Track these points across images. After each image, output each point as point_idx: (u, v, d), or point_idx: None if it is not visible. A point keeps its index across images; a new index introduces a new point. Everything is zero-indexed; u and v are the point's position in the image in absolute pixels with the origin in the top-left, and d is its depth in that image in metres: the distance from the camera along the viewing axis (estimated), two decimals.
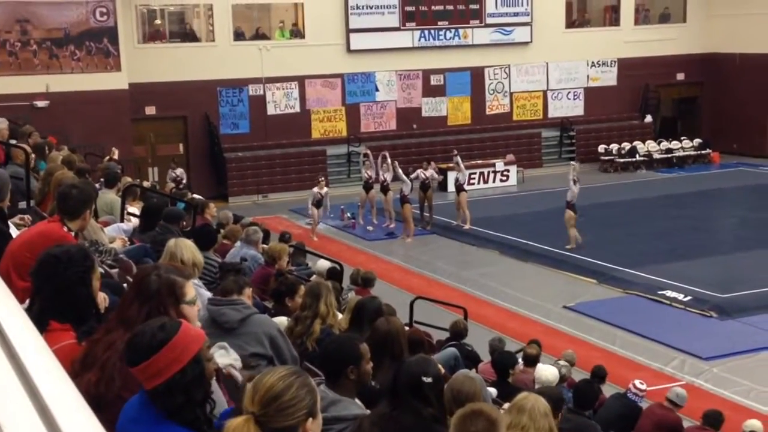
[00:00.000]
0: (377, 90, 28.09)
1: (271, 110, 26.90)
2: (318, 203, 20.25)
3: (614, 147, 29.49)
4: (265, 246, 9.64)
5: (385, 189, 21.53)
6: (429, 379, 3.60)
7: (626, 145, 29.54)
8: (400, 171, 21.17)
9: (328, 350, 4.00)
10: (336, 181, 26.84)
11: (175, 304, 3.09)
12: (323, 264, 11.53)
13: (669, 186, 26.56)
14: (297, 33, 27.46)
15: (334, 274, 10.44)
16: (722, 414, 8.96)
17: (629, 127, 30.51)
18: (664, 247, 19.10)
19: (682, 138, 30.58)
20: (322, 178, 21.31)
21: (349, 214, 22.46)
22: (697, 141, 30.49)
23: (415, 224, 21.16)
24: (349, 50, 27.41)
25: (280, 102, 27.01)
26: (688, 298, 15.51)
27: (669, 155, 29.91)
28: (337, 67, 27.38)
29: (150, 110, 25.27)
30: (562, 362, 9.04)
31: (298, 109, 27.18)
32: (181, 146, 26.18)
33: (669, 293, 15.80)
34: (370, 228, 21.80)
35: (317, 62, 26.85)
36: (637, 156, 29.43)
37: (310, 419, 2.52)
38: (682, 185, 26.46)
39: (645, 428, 8.43)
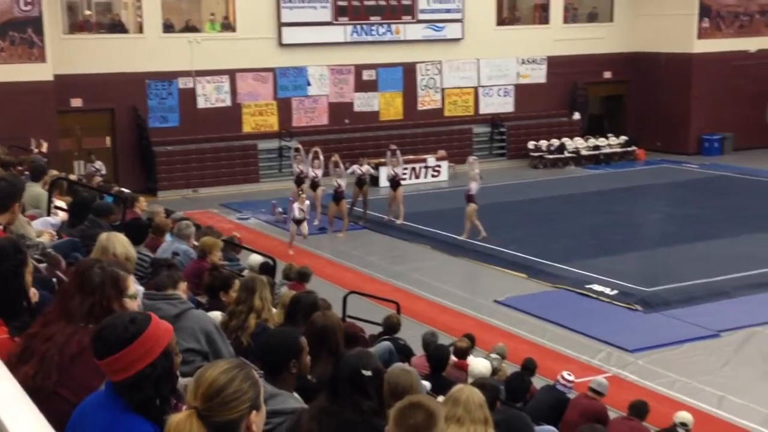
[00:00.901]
0: (309, 84, 27.99)
1: (201, 104, 26.59)
2: (298, 220, 19.13)
3: (543, 143, 29.92)
4: (195, 243, 9.52)
5: (315, 185, 21.48)
6: (369, 373, 3.61)
7: (555, 142, 30.01)
8: (342, 167, 21.23)
9: (271, 344, 3.97)
10: (267, 176, 26.73)
11: (118, 297, 3.04)
12: (255, 258, 11.44)
13: (596, 182, 27.09)
14: (228, 26, 27.20)
15: (267, 269, 10.38)
16: (647, 404, 9.18)
17: (558, 124, 30.99)
18: (592, 242, 19.48)
19: (608, 135, 31.19)
20: (303, 193, 19.73)
21: (280, 209, 22.36)
22: (623, 138, 31.13)
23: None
24: (281, 44, 27.24)
25: (211, 95, 26.72)
26: (615, 292, 15.84)
27: (596, 152, 30.47)
28: (269, 61, 27.19)
29: (76, 102, 24.74)
30: (493, 355, 9.16)
31: (229, 102, 26.92)
32: (108, 139, 25.70)
33: (596, 287, 16.12)
34: None
35: (249, 56, 26.64)
36: (566, 153, 29.93)
37: (254, 412, 2.51)
38: (608, 181, 27.01)
39: (572, 418, 8.59)
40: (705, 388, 11.96)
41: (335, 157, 21.63)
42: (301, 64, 27.66)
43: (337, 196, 20.55)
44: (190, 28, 26.70)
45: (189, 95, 26.39)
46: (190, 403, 2.46)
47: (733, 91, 30.66)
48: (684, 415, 8.95)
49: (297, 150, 22.91)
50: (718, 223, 20.90)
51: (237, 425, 2.48)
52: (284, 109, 27.67)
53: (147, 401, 2.60)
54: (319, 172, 21.44)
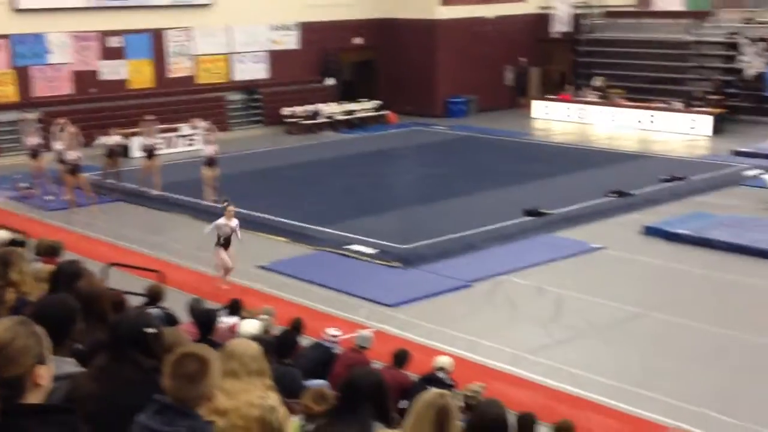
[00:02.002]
0: (50, 52, 26.47)
1: None
2: (227, 241, 14.68)
3: (299, 109, 30.19)
4: None
5: (60, 159, 20.46)
6: (152, 330, 3.58)
7: (310, 108, 30.35)
8: (79, 138, 20.37)
9: (49, 312, 3.77)
10: (8, 150, 25.12)
11: None
12: (1, 236, 10.76)
13: (351, 146, 27.75)
14: None
15: (17, 246, 9.79)
16: (408, 352, 9.64)
17: (312, 90, 31.37)
18: (350, 204, 19.99)
19: (361, 100, 31.98)
20: (230, 205, 14.99)
21: (24, 184, 21.16)
22: (375, 102, 32.04)
23: (95, 192, 20.41)
24: (15, 9, 25.53)
25: None
26: (374, 250, 16.38)
27: (350, 116, 31.17)
28: (3, 27, 25.44)
29: None
30: (262, 317, 9.24)
31: None
32: None
33: (356, 247, 16.58)
34: (50, 197, 20.67)
35: None
36: (321, 118, 30.36)
37: (40, 366, 2.49)
38: (363, 145, 27.76)
39: (339, 372, 8.86)
40: (460, 334, 12.70)
41: (72, 129, 20.63)
42: (39, 30, 26.09)
43: (74, 168, 19.65)
44: None
45: None
46: None
47: (474, 55, 32.38)
48: (443, 360, 9.47)
49: (30, 122, 21.89)
50: (466, 181, 22.11)
51: (23, 379, 2.47)
52: (23, 78, 26.05)
53: None
54: (62, 145, 20.39)
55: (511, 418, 6.91)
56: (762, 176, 20.73)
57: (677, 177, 21.65)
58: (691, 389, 10.91)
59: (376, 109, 31.94)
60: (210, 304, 11.18)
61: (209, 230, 14.84)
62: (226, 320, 8.65)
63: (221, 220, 14.71)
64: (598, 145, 27.27)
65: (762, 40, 29.40)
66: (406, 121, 31.62)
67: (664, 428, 9.27)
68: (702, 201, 20.02)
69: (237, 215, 14.94)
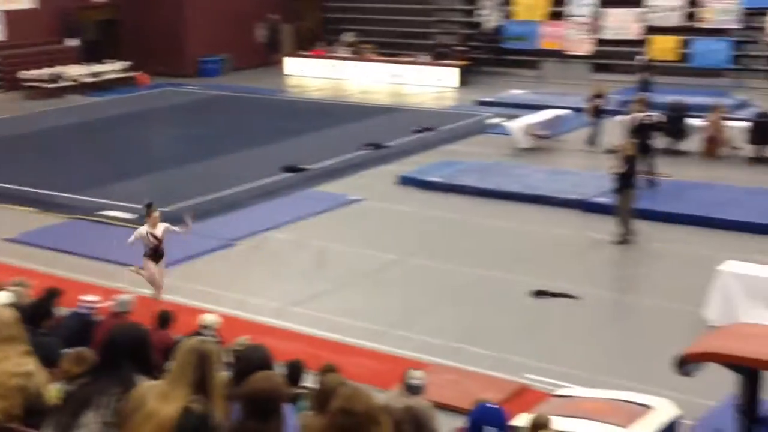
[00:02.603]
0: None
1: None
2: (155, 251, 12.21)
3: (40, 72, 28.53)
4: None
5: None
6: None
7: (52, 71, 28.76)
8: None
9: None
10: None
11: None
12: None
13: (100, 109, 26.66)
14: None
15: None
16: (171, 313, 9.55)
17: (53, 52, 29.71)
18: (103, 170, 19.28)
19: (107, 61, 30.68)
20: (155, 211, 12.33)
21: None
22: (123, 63, 30.85)
23: None
24: None
25: None
26: (131, 215, 15.93)
27: (97, 79, 29.84)
28: None
29: None
30: (13, 288, 8.82)
31: None
32: None
33: (111, 213, 16.10)
34: None
35: None
36: (65, 81, 28.86)
37: None
38: (112, 108, 26.75)
39: (100, 338, 8.61)
40: (225, 293, 12.71)
41: None
42: None
43: None
44: None
45: None
46: None
47: (224, 13, 31.88)
48: (208, 318, 9.46)
49: None
50: (222, 141, 21.91)
51: None
52: None
53: None
54: None
55: (280, 369, 7.09)
56: (503, 124, 22.10)
57: (427, 128, 22.61)
58: (447, 326, 11.60)
59: (125, 70, 30.77)
60: None
61: (132, 240, 12.30)
62: None
63: (143, 229, 12.23)
64: (352, 100, 27.88)
65: None
66: (159, 81, 30.72)
67: (424, 365, 9.80)
68: (451, 149, 21.09)
69: None
